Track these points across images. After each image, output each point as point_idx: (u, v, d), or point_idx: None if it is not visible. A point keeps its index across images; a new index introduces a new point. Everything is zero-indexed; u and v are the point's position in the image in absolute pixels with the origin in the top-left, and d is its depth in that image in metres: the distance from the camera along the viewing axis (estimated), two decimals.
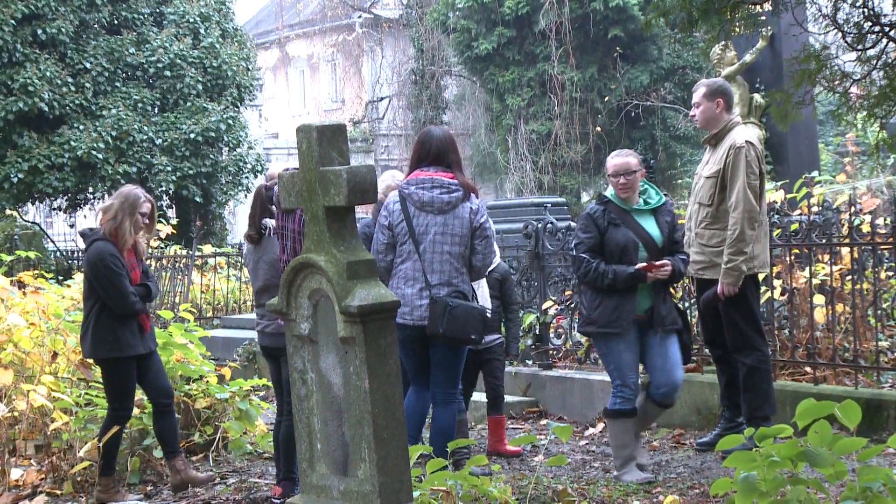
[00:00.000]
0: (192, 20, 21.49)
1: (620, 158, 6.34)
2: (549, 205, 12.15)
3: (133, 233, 6.52)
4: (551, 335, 9.13)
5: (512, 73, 23.48)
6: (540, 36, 22.89)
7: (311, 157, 4.12)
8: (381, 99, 32.13)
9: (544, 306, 8.95)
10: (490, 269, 6.51)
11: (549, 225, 9.04)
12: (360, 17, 33.73)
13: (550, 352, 9.01)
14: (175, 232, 15.78)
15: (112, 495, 6.54)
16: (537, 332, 9.00)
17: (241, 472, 7.16)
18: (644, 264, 6.17)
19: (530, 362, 9.07)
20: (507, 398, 8.74)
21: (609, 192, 6.44)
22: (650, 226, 6.34)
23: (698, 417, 7.56)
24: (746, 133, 6.71)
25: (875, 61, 4.82)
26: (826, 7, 4.81)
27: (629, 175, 6.28)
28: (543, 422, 8.24)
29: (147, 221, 6.61)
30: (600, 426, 7.69)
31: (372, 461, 3.97)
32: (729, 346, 6.60)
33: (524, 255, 9.41)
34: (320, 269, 4.10)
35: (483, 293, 6.67)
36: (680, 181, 21.43)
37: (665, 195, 6.57)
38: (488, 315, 6.32)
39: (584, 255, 6.28)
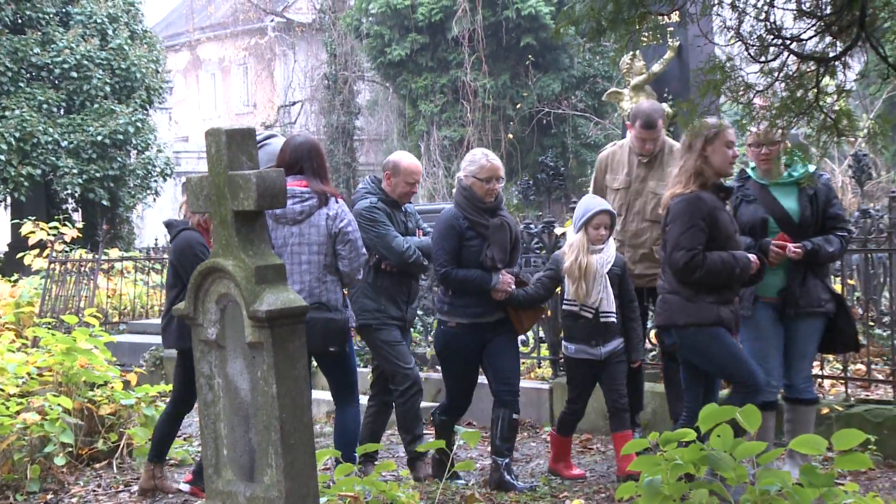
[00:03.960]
0: (99, 21, 21.15)
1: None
2: None
3: None
4: None
5: (425, 80, 23.53)
6: (453, 43, 22.98)
7: (219, 161, 4.09)
8: (294, 103, 31.90)
9: None
10: (609, 264, 6.30)
11: None
12: (272, 20, 33.48)
13: None
14: (81, 236, 15.49)
15: (162, 482, 6.63)
16: None
17: None
18: (780, 242, 5.83)
19: (440, 368, 9.07)
20: None
21: (750, 166, 6.17)
22: (789, 201, 6.00)
23: (605, 423, 7.63)
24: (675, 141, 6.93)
25: (777, 73, 4.92)
26: (730, 20, 4.90)
27: (772, 145, 5.91)
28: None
29: None
30: None
31: (279, 467, 3.94)
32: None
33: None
34: (228, 274, 4.07)
35: (609, 296, 6.35)
36: (590, 189, 21.74)
37: (813, 167, 6.08)
38: (351, 323, 6.09)
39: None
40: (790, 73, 4.94)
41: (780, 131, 5.32)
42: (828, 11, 4.78)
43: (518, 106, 23.15)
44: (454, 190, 6.47)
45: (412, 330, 7.50)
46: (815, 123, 5.04)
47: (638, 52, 11.01)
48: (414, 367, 6.69)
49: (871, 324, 7.96)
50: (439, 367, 6.90)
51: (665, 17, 5.34)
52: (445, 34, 23.05)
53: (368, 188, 6.74)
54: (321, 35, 28.98)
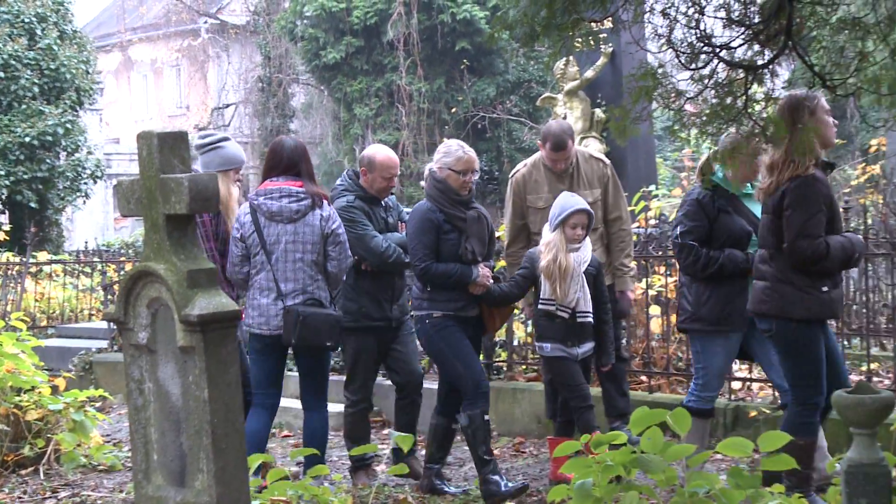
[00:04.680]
0: (27, 20, 20.82)
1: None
2: None
3: None
4: None
5: (360, 83, 23.50)
6: (388, 46, 22.98)
7: (151, 165, 4.05)
8: (227, 106, 31.68)
9: None
10: (585, 263, 6.26)
11: None
12: (205, 22, 33.21)
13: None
14: (8, 238, 15.23)
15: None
16: None
17: (73, 486, 6.94)
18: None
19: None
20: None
21: (718, 174, 5.96)
22: (758, 213, 5.85)
23: (538, 426, 7.68)
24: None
25: (707, 80, 4.98)
26: (662, 27, 4.95)
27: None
28: (386, 431, 8.25)
29: None
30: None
31: (210, 472, 3.91)
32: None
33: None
34: (160, 278, 4.03)
35: (586, 295, 6.25)
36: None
37: None
38: (342, 321, 6.25)
39: (692, 243, 5.85)
40: (720, 80, 5.00)
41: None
42: (756, 20, 4.85)
43: (453, 110, 23.21)
44: (425, 182, 6.31)
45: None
46: (744, 130, 5.12)
47: (572, 57, 11.10)
48: (371, 383, 6.72)
49: None
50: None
51: (598, 23, 5.38)
52: (381, 38, 23.04)
53: (346, 185, 6.65)
54: (255, 37, 28.83)
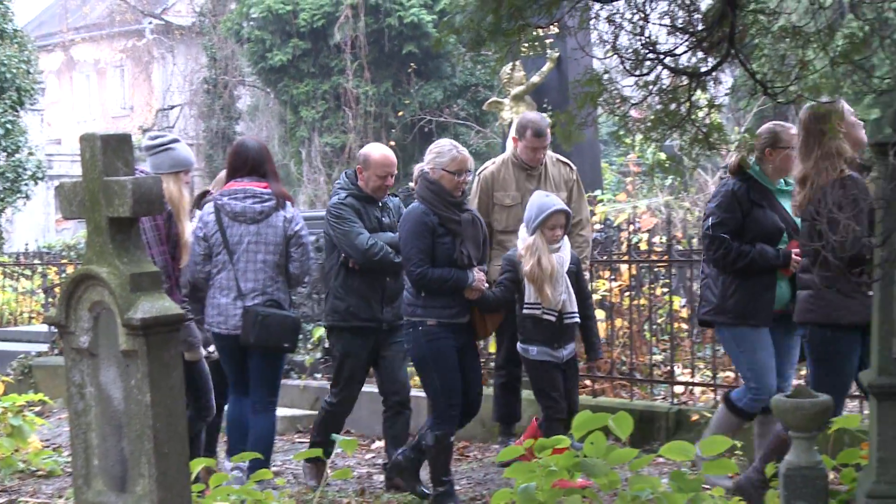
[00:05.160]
0: None
1: (791, 128, 5.52)
2: None
3: None
4: None
5: (307, 86, 23.40)
6: (335, 49, 22.91)
7: (94, 167, 4.01)
8: (172, 107, 31.40)
9: None
10: (567, 263, 6.19)
11: None
12: (150, 23, 32.90)
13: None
14: None
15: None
16: (326, 345, 8.97)
17: (11, 492, 6.83)
18: (796, 249, 5.57)
19: (319, 376, 9.03)
20: (294, 412, 8.70)
21: (755, 167, 5.80)
22: (789, 209, 5.74)
23: (483, 430, 7.70)
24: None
25: (651, 87, 5.02)
26: (607, 34, 4.99)
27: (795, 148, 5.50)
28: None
29: None
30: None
31: (152, 476, 3.88)
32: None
33: (316, 267, 9.38)
34: (102, 281, 3.99)
35: (571, 296, 6.21)
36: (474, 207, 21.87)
37: None
38: (301, 323, 6.29)
39: (724, 236, 5.62)
40: (664, 86, 5.05)
41: None
42: (700, 28, 4.90)
43: (400, 113, 23.18)
44: (416, 184, 6.15)
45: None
46: (687, 136, 5.17)
47: (518, 62, 11.14)
48: (357, 387, 6.56)
49: None
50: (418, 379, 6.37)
51: (544, 29, 5.40)
52: (328, 40, 22.96)
53: (343, 183, 6.58)
54: (201, 39, 28.60)
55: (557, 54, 11.53)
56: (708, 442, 3.99)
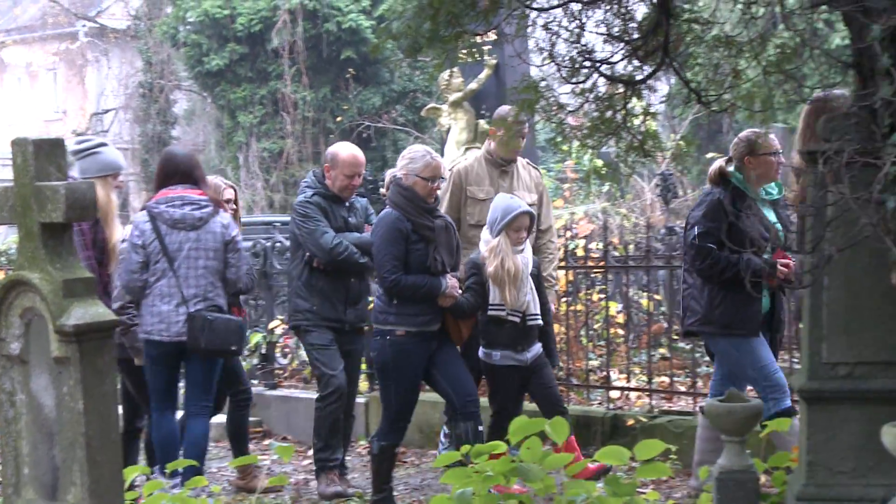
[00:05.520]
0: None
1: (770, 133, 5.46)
2: (278, 223, 12.09)
3: None
4: (277, 354, 9.09)
5: (244, 90, 23.26)
6: (273, 54, 22.80)
7: (26, 172, 3.95)
8: (107, 111, 31.03)
9: (271, 325, 8.90)
10: (529, 265, 6.16)
11: (277, 244, 9.00)
12: (84, 25, 32.48)
13: (276, 371, 8.96)
14: None
15: (250, 481, 6.63)
16: (263, 351, 8.93)
17: None
18: (783, 259, 5.53)
19: (256, 381, 8.98)
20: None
21: (735, 174, 5.72)
22: (773, 219, 5.75)
23: (420, 436, 7.70)
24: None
25: (588, 94, 5.07)
26: (544, 41, 5.03)
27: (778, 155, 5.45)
28: (267, 442, 8.17)
29: (235, 207, 6.60)
30: None
31: (84, 484, 3.83)
32: None
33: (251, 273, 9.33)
34: (34, 287, 3.93)
35: (535, 297, 6.18)
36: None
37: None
38: (245, 326, 6.29)
39: (711, 246, 5.54)
40: (600, 94, 5.10)
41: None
42: (635, 37, 4.96)
43: (338, 119, 23.12)
44: (388, 190, 6.10)
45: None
46: (623, 143, 5.22)
47: (456, 69, 11.18)
48: (340, 374, 6.39)
49: (675, 337, 8.27)
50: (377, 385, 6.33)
51: (481, 36, 5.43)
52: (265, 45, 22.85)
53: (309, 182, 6.53)
54: (136, 42, 28.31)
55: (495, 61, 11.59)
56: (643, 446, 4.03)
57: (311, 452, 7.71)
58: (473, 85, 11.78)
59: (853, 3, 4.03)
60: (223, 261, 6.15)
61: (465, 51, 5.47)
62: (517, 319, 6.10)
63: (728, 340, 5.71)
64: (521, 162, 7.16)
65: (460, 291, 5.98)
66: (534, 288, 6.17)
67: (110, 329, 3.99)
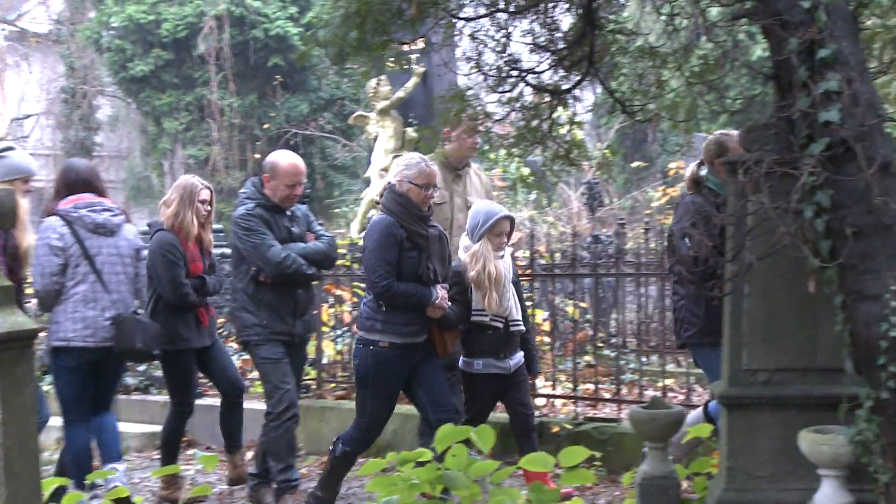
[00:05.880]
0: None
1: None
2: None
3: (195, 222, 6.45)
4: None
5: (169, 97, 23.00)
6: (199, 60, 22.58)
7: None
8: (27, 116, 30.47)
9: None
10: (510, 270, 6.09)
11: None
12: (3, 29, 31.87)
13: (201, 380, 8.86)
14: None
15: (174, 491, 6.58)
16: None
17: None
18: None
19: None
20: (154, 428, 8.52)
21: (707, 177, 5.69)
22: None
23: (309, 444, 7.65)
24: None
25: (514, 103, 5.11)
26: (470, 51, 5.05)
27: None
28: (191, 451, 8.09)
29: (209, 208, 6.55)
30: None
31: (1, 496, 3.75)
32: None
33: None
34: None
35: (516, 303, 6.11)
36: (337, 210, 21.81)
37: None
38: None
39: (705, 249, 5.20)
40: (526, 103, 5.14)
41: None
42: (561, 46, 5.01)
43: (265, 126, 22.96)
44: (382, 196, 5.96)
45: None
46: (549, 152, 5.27)
47: (384, 77, 11.19)
48: (292, 389, 6.26)
49: (601, 345, 8.34)
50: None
51: (408, 44, 5.44)
52: (191, 51, 22.61)
53: (249, 192, 6.34)
54: (58, 47, 27.86)
55: (423, 69, 11.61)
56: (568, 453, 4.05)
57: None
58: (401, 93, 11.79)
59: (771, 17, 4.10)
60: (135, 268, 6.29)
61: (392, 59, 5.48)
62: (500, 325, 6.02)
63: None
64: (474, 167, 7.18)
65: (449, 304, 5.87)
66: (514, 293, 6.11)
67: (30, 338, 3.91)
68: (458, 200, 6.95)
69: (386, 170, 12.21)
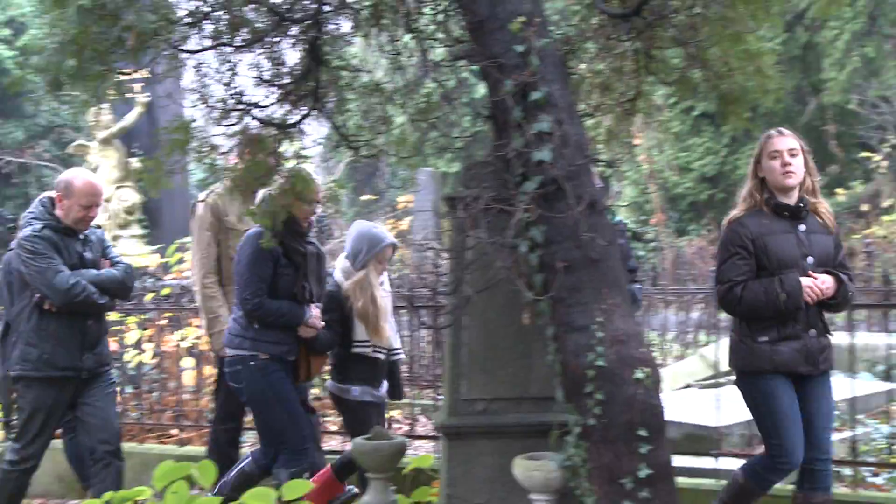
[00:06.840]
0: None
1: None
2: None
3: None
4: None
5: None
6: None
7: None
8: None
9: None
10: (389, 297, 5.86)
11: None
12: None
13: None
14: None
15: None
16: None
17: None
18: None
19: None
20: None
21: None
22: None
23: (59, 484, 7.37)
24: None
25: (240, 136, 5.08)
26: (195, 82, 5.00)
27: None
28: None
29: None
30: None
31: None
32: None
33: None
34: None
35: (395, 332, 5.89)
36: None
37: None
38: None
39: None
40: (251, 137, 5.12)
41: None
42: (286, 81, 5.03)
43: None
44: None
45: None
46: (275, 186, 5.27)
47: (107, 105, 10.89)
48: (46, 441, 5.81)
49: None
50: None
51: (130, 74, 5.31)
52: None
53: (37, 213, 5.80)
54: None
55: (148, 99, 11.39)
56: (291, 486, 4.06)
57: None
58: (124, 123, 11.51)
59: (488, 59, 4.29)
60: None
61: (112, 89, 5.34)
62: (382, 356, 5.86)
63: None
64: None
65: (322, 324, 5.68)
66: (394, 321, 5.97)
67: None
68: None
69: (108, 200, 11.83)
